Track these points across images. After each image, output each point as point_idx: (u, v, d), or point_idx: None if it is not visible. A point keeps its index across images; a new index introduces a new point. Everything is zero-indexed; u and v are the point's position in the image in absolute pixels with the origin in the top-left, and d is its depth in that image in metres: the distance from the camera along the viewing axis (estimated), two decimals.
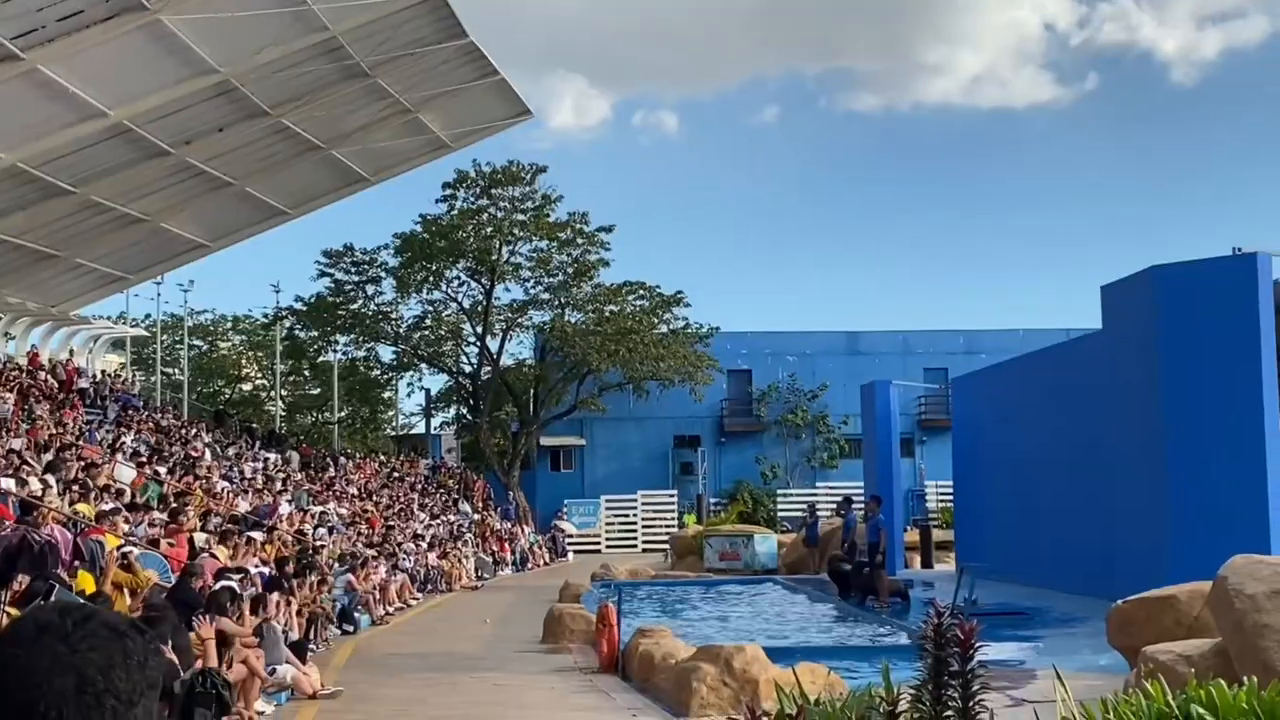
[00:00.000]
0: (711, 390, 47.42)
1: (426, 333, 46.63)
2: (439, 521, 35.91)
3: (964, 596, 19.84)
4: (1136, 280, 17.75)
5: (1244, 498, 15.86)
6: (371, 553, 24.44)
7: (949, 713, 3.68)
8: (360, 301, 45.25)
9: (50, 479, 16.64)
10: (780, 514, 46.54)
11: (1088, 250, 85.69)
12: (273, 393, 55.70)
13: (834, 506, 33.35)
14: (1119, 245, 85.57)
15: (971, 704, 3.89)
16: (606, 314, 45.24)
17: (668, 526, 45.07)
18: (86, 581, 12.54)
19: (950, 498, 35.30)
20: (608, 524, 46.63)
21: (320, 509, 27.55)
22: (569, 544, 43.23)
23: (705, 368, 45.66)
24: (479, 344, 46.79)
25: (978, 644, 4.73)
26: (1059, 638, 16.67)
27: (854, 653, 15.25)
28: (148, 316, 51.26)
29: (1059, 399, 22.71)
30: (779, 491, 48.17)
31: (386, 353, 48.48)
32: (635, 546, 45.57)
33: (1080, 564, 21.16)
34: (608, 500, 46.86)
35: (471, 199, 44.07)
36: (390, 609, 22.72)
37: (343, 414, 54.46)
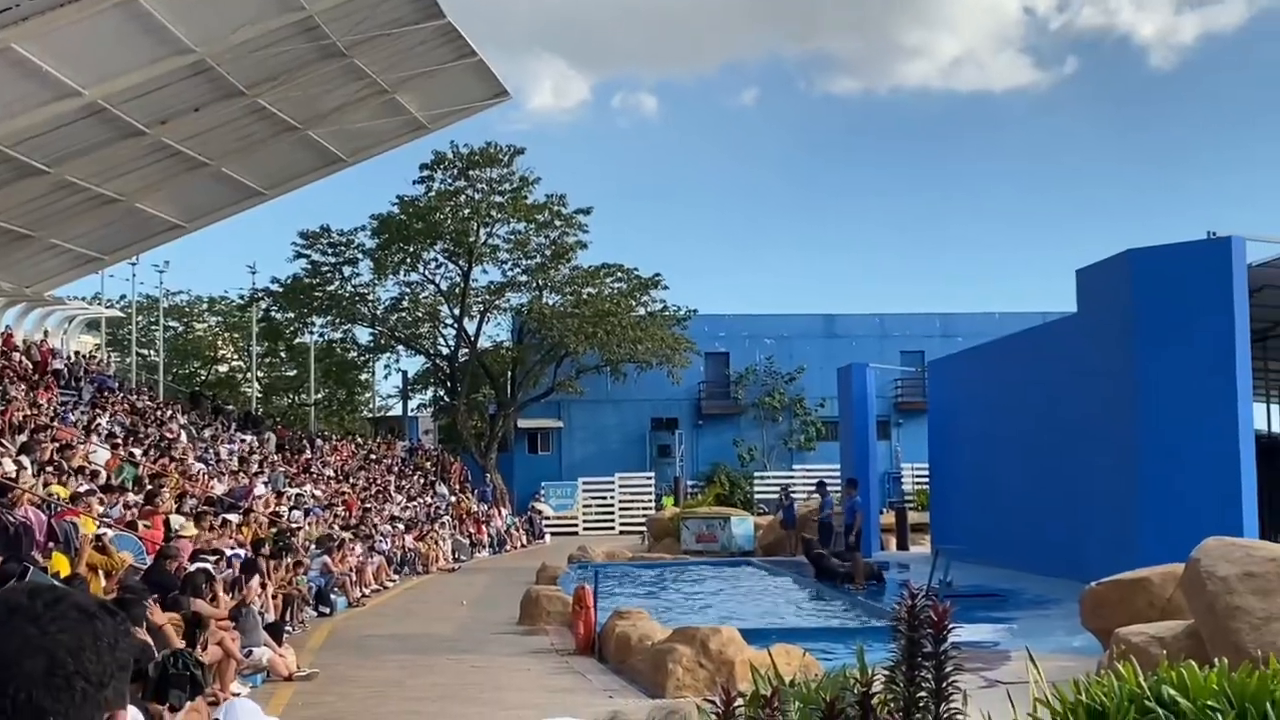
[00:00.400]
0: (689, 373, 47.53)
1: (404, 315, 46.48)
2: (416, 504, 35.88)
3: (939, 579, 19.95)
4: (1112, 264, 17.77)
5: (1217, 480, 15.90)
6: (348, 535, 24.39)
7: (922, 693, 3.75)
8: (337, 283, 45.07)
9: (25, 460, 16.50)
10: (757, 496, 46.77)
11: (1065, 233, 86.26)
12: (249, 374, 55.41)
13: (811, 488, 33.58)
14: (1097, 228, 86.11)
15: (945, 685, 3.91)
16: (584, 296, 45.23)
17: (645, 509, 45.21)
18: (61, 563, 12.45)
19: (926, 480, 35.52)
20: (585, 506, 46.72)
21: (296, 491, 27.47)
22: (546, 526, 43.29)
23: (683, 350, 45.77)
24: (456, 326, 46.76)
25: (951, 625, 4.76)
26: (1033, 619, 16.76)
27: (829, 634, 15.36)
28: (123, 297, 50.86)
29: (1034, 382, 22.82)
30: (756, 474, 48.39)
31: (363, 334, 48.52)
32: (612, 529, 45.67)
33: (1054, 546, 21.26)
34: (585, 482, 46.95)
35: (449, 180, 43.89)
36: (367, 591, 22.69)
37: (319, 395, 54.26)
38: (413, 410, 53.14)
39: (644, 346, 44.61)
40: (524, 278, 45.88)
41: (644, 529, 38.92)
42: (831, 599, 20.97)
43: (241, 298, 51.90)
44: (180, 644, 10.42)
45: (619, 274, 46.11)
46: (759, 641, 12.42)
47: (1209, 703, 3.44)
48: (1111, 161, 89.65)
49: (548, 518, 44.28)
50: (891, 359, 45.85)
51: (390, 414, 56.02)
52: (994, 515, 24.68)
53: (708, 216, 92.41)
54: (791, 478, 47.07)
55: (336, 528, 25.40)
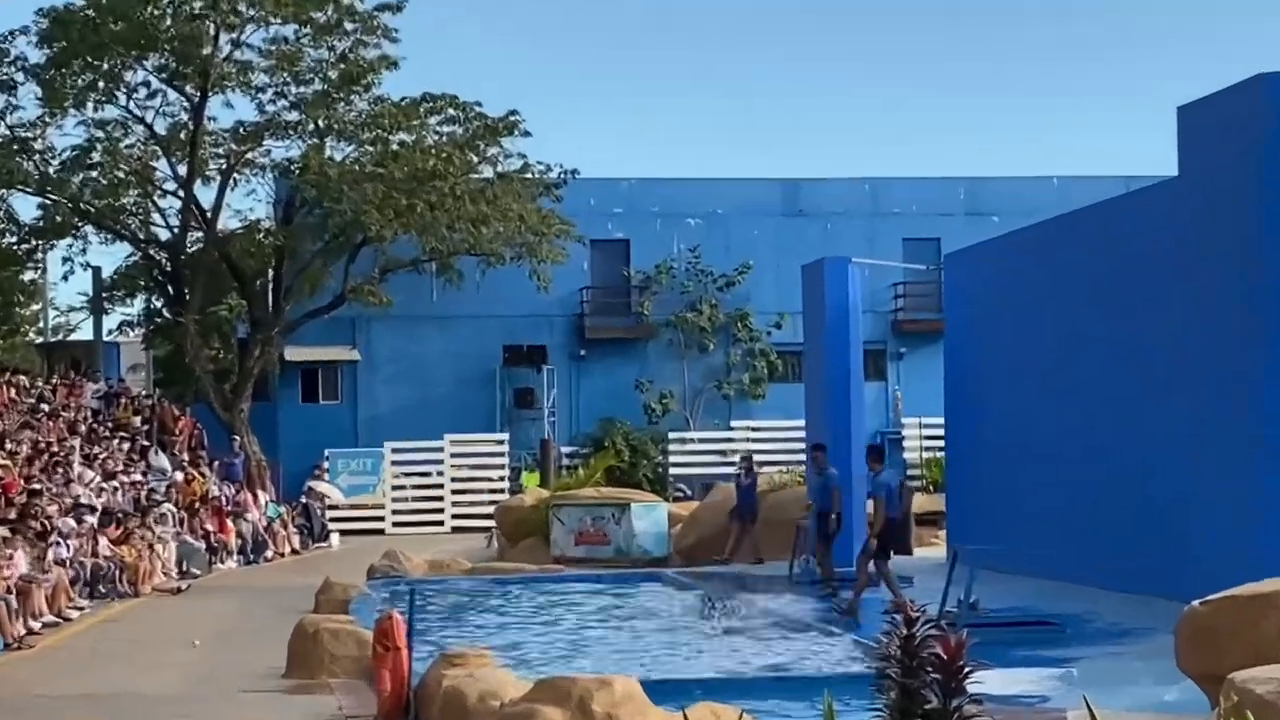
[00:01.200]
0: (564, 273, 47.62)
1: (94, 174, 45.77)
2: (117, 484, 35.49)
3: (958, 598, 20.29)
4: (1237, 95, 17.91)
5: None
6: (3, 533, 23.94)
7: None
8: None
9: None
10: (675, 471, 46.88)
11: (1159, 61, 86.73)
12: None
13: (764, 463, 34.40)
14: (1201, 55, 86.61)
15: None
16: (393, 147, 45.12)
17: (494, 492, 45.34)
18: None
19: (940, 445, 35.73)
20: (397, 488, 46.87)
21: None
22: (332, 520, 43.32)
23: (554, 236, 45.86)
24: (181, 195, 46.31)
25: (971, 668, 4.79)
26: (1103, 660, 17.04)
27: (783, 685, 15.62)
28: None
29: (1110, 289, 23.18)
30: (672, 435, 48.61)
31: (28, 206, 47.88)
32: (441, 524, 45.97)
33: (1138, 547, 21.69)
34: (396, 450, 47.03)
35: None
36: (36, 625, 22.40)
37: None
38: (111, 332, 52.64)
39: (491, 229, 44.63)
40: (293, 116, 45.59)
41: (492, 525, 39.14)
42: (794, 629, 21.41)
43: None
44: None
45: (450, 111, 46.00)
46: (673, 698, 12.68)
47: None
48: None
49: (335, 506, 44.22)
50: (889, 250, 46.11)
51: (74, 338, 55.40)
52: (1046, 499, 25.01)
53: (593, 26, 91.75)
54: (731, 441, 47.52)
55: None
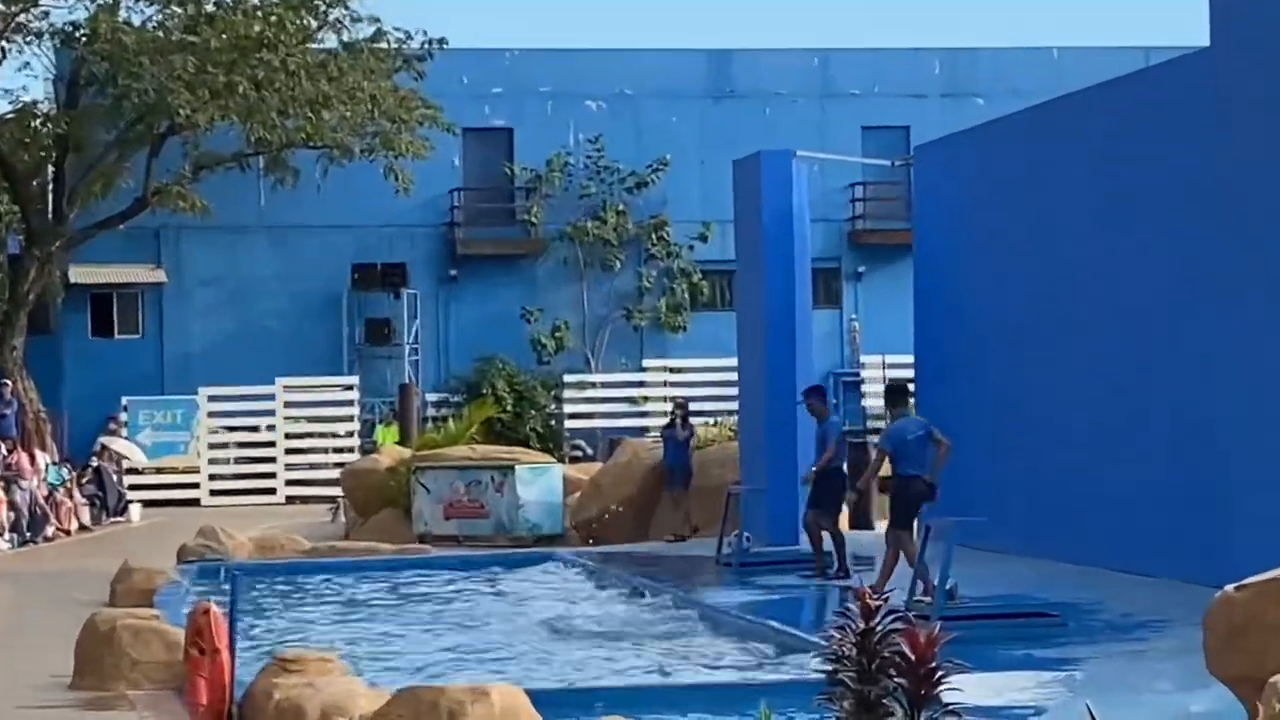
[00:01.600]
0: (429, 171, 47.61)
1: None
2: None
3: (930, 581, 20.31)
4: None
5: None
6: None
7: None
8: None
9: None
10: (572, 424, 47.41)
11: None
12: None
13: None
14: None
15: None
16: (208, 8, 44.98)
17: (340, 452, 45.71)
18: None
19: (910, 384, 35.63)
20: (214, 446, 47.04)
21: None
22: (131, 487, 43.22)
23: (415, 123, 45.90)
24: None
25: (944, 669, 4.76)
26: (1115, 659, 17.05)
27: (709, 696, 15.77)
28: None
29: (1125, 189, 23.28)
30: (568, 378, 48.88)
31: None
32: (272, 493, 46.22)
33: (1158, 518, 21.92)
34: (212, 398, 47.02)
35: None
36: None
37: None
38: None
39: (335, 115, 44.67)
40: None
41: (337, 494, 39.41)
42: (724, 623, 21.38)
43: None
44: None
45: None
46: (567, 712, 13.03)
47: None
48: None
49: (135, 469, 44.23)
50: (844, 141, 46.35)
51: None
52: (1043, 457, 25.18)
53: None
54: (644, 385, 48.35)
55: None
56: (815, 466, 25.43)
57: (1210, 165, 19.88)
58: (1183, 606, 16.30)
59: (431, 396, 48.80)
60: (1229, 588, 11.76)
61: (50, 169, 47.60)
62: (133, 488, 43.29)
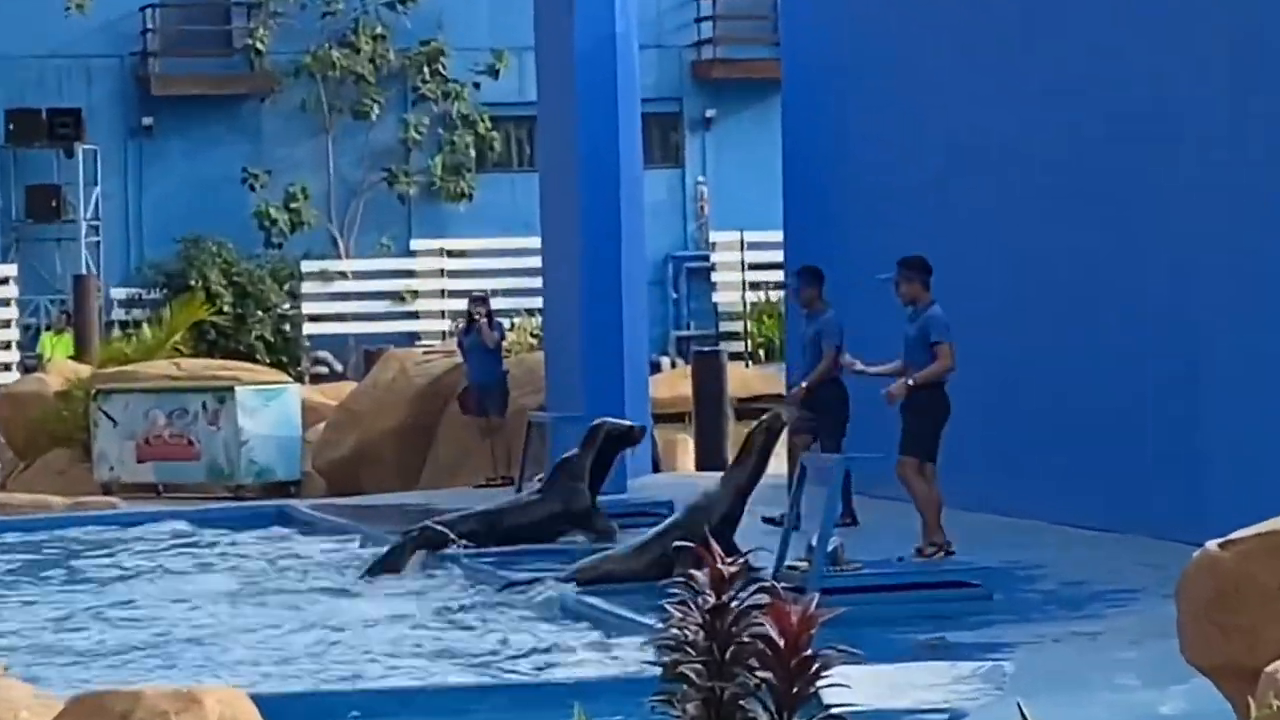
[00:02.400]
0: None
1: None
2: None
3: (808, 543, 19.05)
4: None
5: None
6: None
7: None
8: None
9: None
10: (313, 329, 46.00)
11: None
12: None
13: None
14: None
15: None
16: None
17: None
18: None
19: (777, 277, 35.49)
20: None
21: None
22: None
23: None
24: None
25: (825, 658, 4.98)
26: (1057, 645, 16.43)
27: (505, 696, 15.61)
28: None
29: (1083, 9, 22.47)
30: (308, 266, 46.80)
31: None
32: None
33: (1121, 460, 21.47)
34: None
35: None
36: None
37: None
38: None
39: None
40: None
41: None
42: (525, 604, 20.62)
43: None
44: None
45: None
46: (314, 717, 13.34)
47: None
48: None
49: None
50: None
51: None
52: (968, 378, 23.22)
53: None
54: (413, 275, 46.62)
55: None
56: (807, 381, 23.32)
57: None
58: (1150, 571, 16.60)
59: (118, 293, 46.61)
60: (1211, 544, 10.81)
61: None
62: None
